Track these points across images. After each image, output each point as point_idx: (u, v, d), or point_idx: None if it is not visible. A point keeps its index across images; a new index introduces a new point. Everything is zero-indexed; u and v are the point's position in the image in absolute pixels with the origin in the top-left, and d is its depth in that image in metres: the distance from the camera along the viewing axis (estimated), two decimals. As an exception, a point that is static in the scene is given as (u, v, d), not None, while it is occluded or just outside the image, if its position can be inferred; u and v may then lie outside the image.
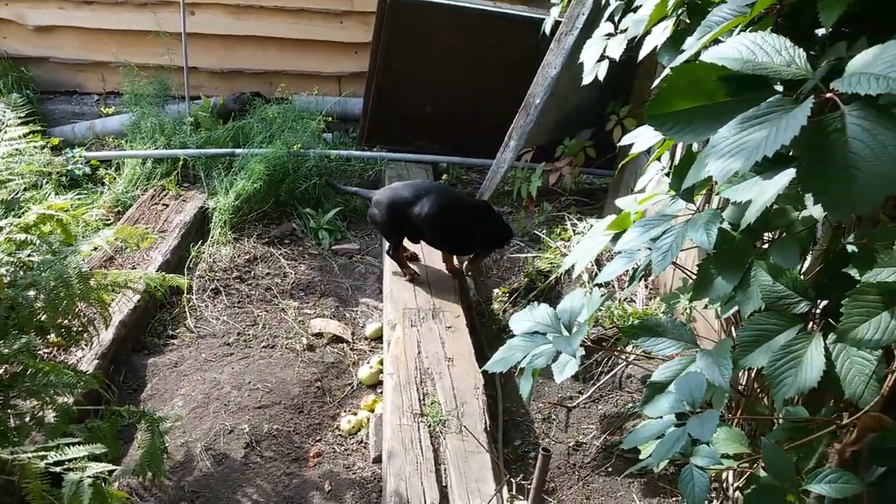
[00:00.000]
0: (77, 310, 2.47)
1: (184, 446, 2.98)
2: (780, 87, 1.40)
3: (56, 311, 2.24)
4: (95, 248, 2.33)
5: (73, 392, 2.37)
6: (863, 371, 1.61)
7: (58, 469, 1.64)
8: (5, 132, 2.26)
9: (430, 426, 2.81)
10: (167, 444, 2.95)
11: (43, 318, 2.27)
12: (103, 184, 4.99)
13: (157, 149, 4.97)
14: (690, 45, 1.70)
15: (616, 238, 2.31)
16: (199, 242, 4.42)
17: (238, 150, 4.92)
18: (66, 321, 2.48)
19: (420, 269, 4.00)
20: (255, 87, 5.86)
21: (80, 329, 2.56)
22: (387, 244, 4.03)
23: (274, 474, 2.91)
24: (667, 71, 1.48)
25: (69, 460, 1.66)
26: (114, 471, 1.95)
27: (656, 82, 1.49)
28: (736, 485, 2.39)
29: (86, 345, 3.00)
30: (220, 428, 3.09)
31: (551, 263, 3.88)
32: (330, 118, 5.29)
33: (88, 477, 1.61)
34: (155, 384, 3.37)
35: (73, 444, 1.73)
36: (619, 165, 2.91)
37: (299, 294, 4.16)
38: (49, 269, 2.19)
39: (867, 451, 1.60)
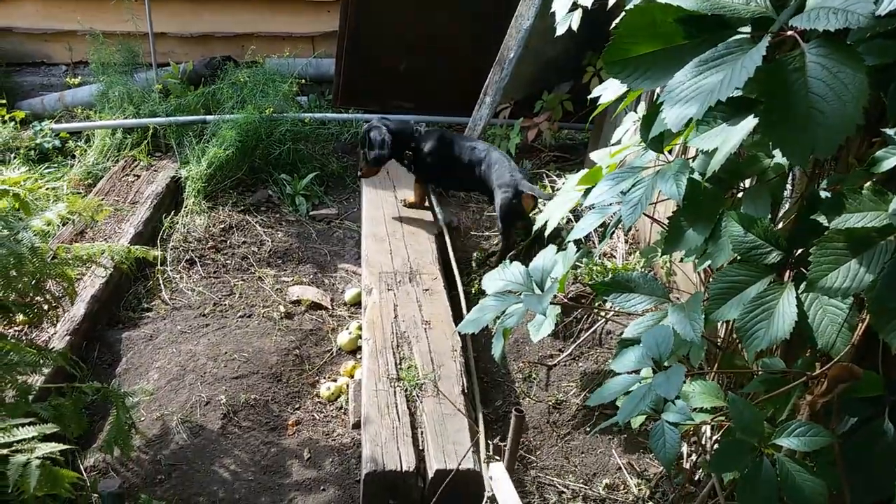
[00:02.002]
0: (42, 286, 2.41)
1: (160, 420, 2.95)
2: (746, 29, 1.33)
3: (14, 288, 2.17)
4: (48, 223, 2.26)
5: (38, 370, 2.33)
6: (835, 320, 1.57)
7: (5, 451, 1.59)
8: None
9: (406, 390, 2.78)
10: (142, 419, 2.93)
11: (1, 297, 2.21)
12: (74, 156, 4.89)
13: (126, 118, 4.85)
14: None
15: (587, 193, 2.25)
16: (173, 213, 4.34)
17: (209, 117, 4.81)
18: (28, 299, 2.42)
19: (399, 231, 3.95)
20: (225, 51, 5.72)
21: (46, 306, 2.51)
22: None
23: (252, 444, 2.89)
24: (626, 10, 1.41)
25: (17, 441, 1.62)
26: (75, 449, 1.92)
27: (615, 22, 1.42)
28: (714, 438, 2.38)
29: (55, 322, 2.95)
30: (196, 400, 3.05)
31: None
32: (303, 80, 5.17)
33: (37, 458, 1.57)
34: (130, 358, 3.33)
35: (24, 424, 1.69)
36: (591, 118, 2.84)
37: (276, 262, 4.10)
38: (2, 246, 2.12)
39: (839, 402, 1.57)
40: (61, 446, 1.68)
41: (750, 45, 1.19)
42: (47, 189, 3.77)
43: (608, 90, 2.25)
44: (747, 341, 1.65)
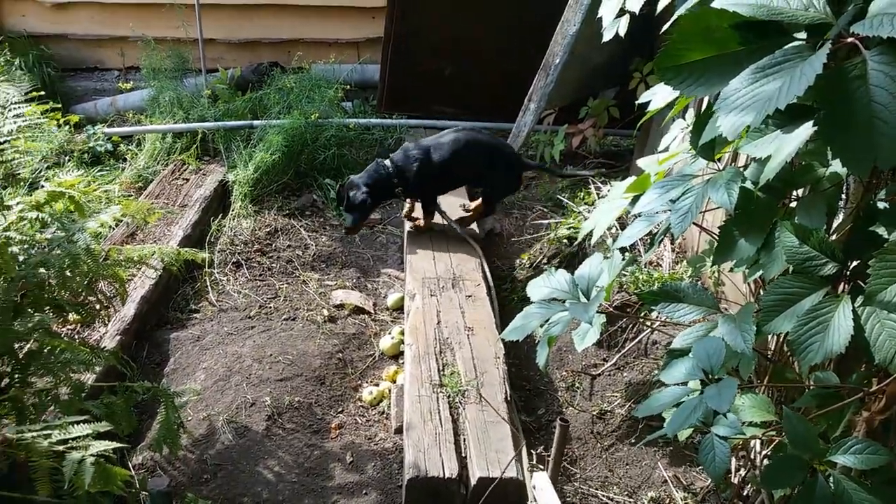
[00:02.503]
0: (94, 286, 2.48)
1: (206, 420, 3.00)
2: (802, 35, 1.31)
3: (68, 288, 2.24)
4: (103, 225, 2.32)
5: (90, 369, 2.39)
6: (894, 335, 1.53)
7: (61, 448, 1.64)
8: (10, 110, 2.24)
9: (449, 396, 2.78)
10: (189, 418, 2.99)
11: (56, 297, 2.28)
12: (125, 160, 5.02)
13: (176, 123, 4.97)
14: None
15: (635, 201, 2.23)
16: (220, 216, 4.42)
17: (256, 122, 4.89)
18: (81, 298, 2.49)
19: (442, 237, 3.96)
20: (272, 56, 5.81)
21: (98, 306, 2.57)
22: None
23: (295, 446, 2.92)
24: (676, 16, 1.40)
25: (73, 439, 1.67)
26: (125, 447, 1.97)
27: (665, 27, 1.40)
28: (764, 453, 2.33)
29: (106, 321, 3.02)
30: (241, 401, 3.10)
31: (574, 229, 3.80)
32: (348, 86, 5.23)
33: (92, 455, 1.61)
34: (177, 358, 3.40)
35: (79, 422, 1.74)
36: (639, 124, 2.81)
37: (320, 266, 4.15)
38: (58, 247, 2.19)
39: (897, 419, 1.53)
40: (114, 444, 1.72)
41: (809, 53, 1.17)
42: (100, 192, 3.86)
43: (657, 96, 2.22)
44: (801, 354, 1.61)
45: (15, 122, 2.23)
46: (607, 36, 3.62)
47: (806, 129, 1.36)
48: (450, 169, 3.83)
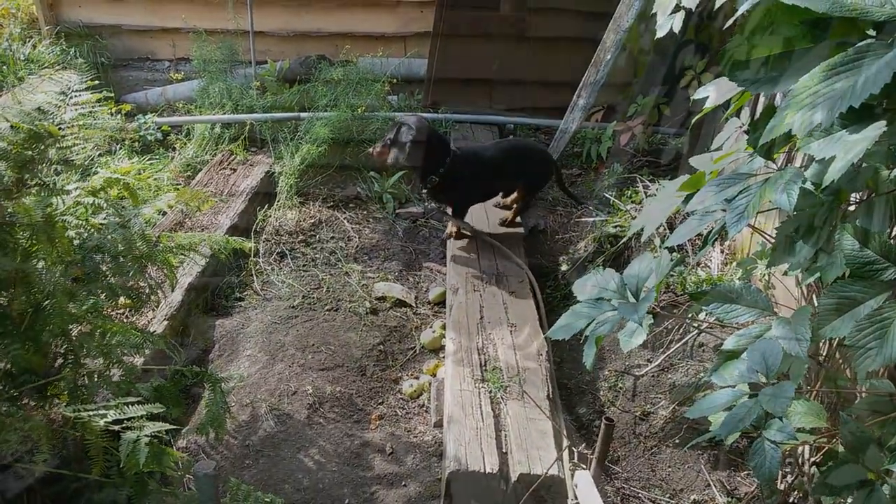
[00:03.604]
0: (145, 272, 2.53)
1: (249, 406, 3.05)
2: (872, 32, 1.27)
3: (122, 272, 2.29)
4: (159, 211, 2.37)
5: (140, 352, 2.44)
6: (957, 343, 1.48)
7: (117, 428, 1.68)
8: (72, 98, 2.30)
9: (490, 392, 2.78)
10: (233, 404, 3.03)
11: (111, 281, 2.33)
12: (174, 149, 5.11)
13: (224, 114, 5.04)
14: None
15: (688, 199, 2.19)
16: (266, 206, 4.48)
17: (303, 114, 4.94)
18: (132, 283, 2.54)
19: (485, 232, 3.95)
20: (320, 50, 5.85)
21: (148, 291, 2.62)
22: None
23: (336, 435, 2.95)
24: (741, 12, 1.37)
25: (127, 419, 1.70)
26: (174, 430, 2.00)
27: (729, 22, 1.37)
28: (812, 460, 2.28)
29: (155, 307, 3.08)
30: (284, 389, 3.14)
31: (621, 227, 3.76)
32: (395, 80, 5.24)
33: (146, 436, 1.64)
34: (222, 345, 3.46)
35: (133, 403, 1.77)
36: (693, 121, 2.76)
37: (363, 258, 4.18)
38: (114, 232, 2.24)
39: (960, 429, 1.49)
40: (167, 426, 1.76)
41: (884, 50, 1.14)
42: (151, 180, 3.94)
43: (713, 93, 2.18)
44: (858, 360, 1.58)
45: (75, 110, 2.27)
46: (661, 32, 3.57)
47: (876, 130, 1.32)
48: (492, 179, 3.83)
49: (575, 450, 2.48)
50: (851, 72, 1.12)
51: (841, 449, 2.02)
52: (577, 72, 4.05)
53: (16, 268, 2.04)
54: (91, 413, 1.69)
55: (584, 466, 2.27)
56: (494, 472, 2.39)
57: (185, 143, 5.07)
